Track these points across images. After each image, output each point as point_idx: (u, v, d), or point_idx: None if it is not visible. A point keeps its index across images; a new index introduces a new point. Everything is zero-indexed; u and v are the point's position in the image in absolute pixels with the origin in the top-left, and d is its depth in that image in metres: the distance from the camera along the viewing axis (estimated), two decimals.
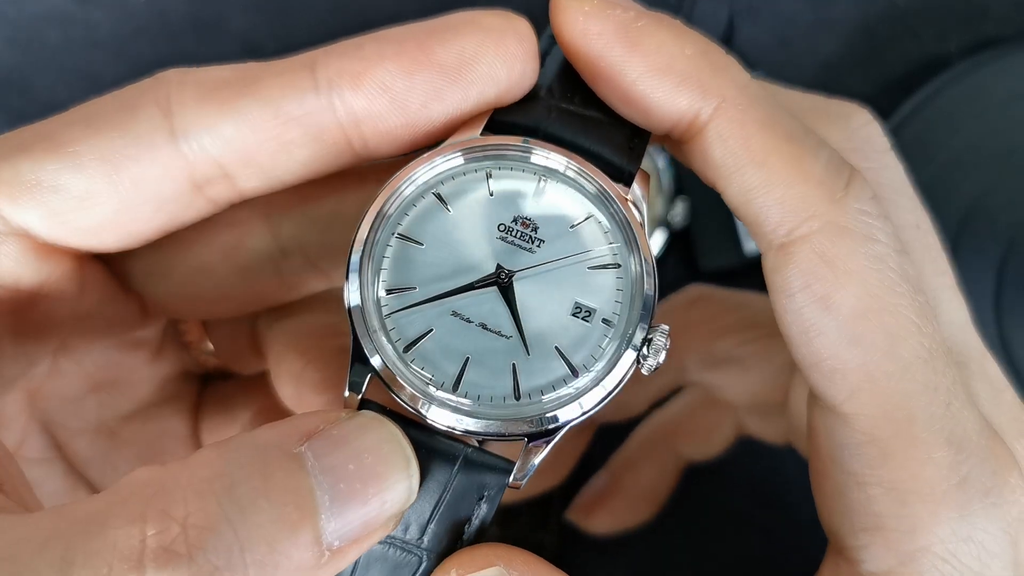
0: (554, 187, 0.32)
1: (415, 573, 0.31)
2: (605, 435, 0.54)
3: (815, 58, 0.63)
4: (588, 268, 0.32)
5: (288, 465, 0.27)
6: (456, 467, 0.31)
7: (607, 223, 0.32)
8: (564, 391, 0.31)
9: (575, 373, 0.31)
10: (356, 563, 0.31)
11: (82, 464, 0.39)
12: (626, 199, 0.32)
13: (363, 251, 0.31)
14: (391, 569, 0.31)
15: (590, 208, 0.32)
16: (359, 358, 0.31)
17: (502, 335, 0.31)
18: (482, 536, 0.31)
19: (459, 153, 0.32)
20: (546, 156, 0.32)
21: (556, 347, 0.31)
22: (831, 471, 0.32)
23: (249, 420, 0.42)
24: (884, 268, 0.30)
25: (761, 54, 0.63)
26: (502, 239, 0.32)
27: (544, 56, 0.33)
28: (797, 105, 0.35)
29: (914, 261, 0.32)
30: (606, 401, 0.31)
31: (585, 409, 0.30)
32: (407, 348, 0.31)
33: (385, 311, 0.31)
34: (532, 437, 0.30)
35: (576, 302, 0.31)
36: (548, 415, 0.30)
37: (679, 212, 0.60)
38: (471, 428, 0.30)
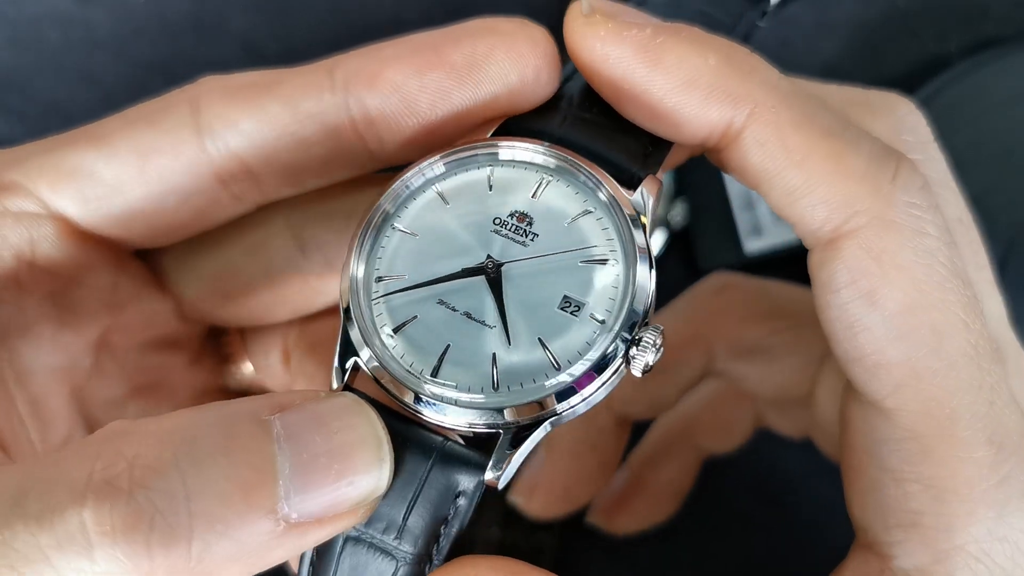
0: (555, 186, 0.32)
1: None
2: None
3: (816, 58, 0.63)
4: (580, 263, 0.31)
5: (253, 429, 0.26)
6: (432, 460, 0.30)
7: (605, 221, 0.32)
8: (546, 384, 0.30)
9: (557, 366, 0.30)
10: (336, 567, 0.30)
11: None
12: (627, 199, 0.32)
13: (361, 241, 0.32)
14: (367, 568, 0.30)
15: (588, 206, 0.32)
16: (345, 343, 0.31)
17: (485, 324, 0.31)
18: (463, 535, 0.30)
19: (460, 152, 0.33)
20: (547, 156, 0.32)
21: (539, 338, 0.30)
22: (866, 466, 0.31)
23: None
24: (933, 263, 0.29)
25: (761, 55, 0.62)
26: (496, 232, 0.32)
27: (566, 82, 0.34)
28: (835, 98, 0.34)
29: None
30: (592, 399, 0.30)
31: (572, 405, 0.29)
32: (391, 335, 0.31)
33: (374, 297, 0.32)
34: (506, 430, 0.30)
35: (565, 296, 0.31)
36: (524, 407, 0.29)
37: (679, 212, 0.60)
38: (446, 418, 0.30)
